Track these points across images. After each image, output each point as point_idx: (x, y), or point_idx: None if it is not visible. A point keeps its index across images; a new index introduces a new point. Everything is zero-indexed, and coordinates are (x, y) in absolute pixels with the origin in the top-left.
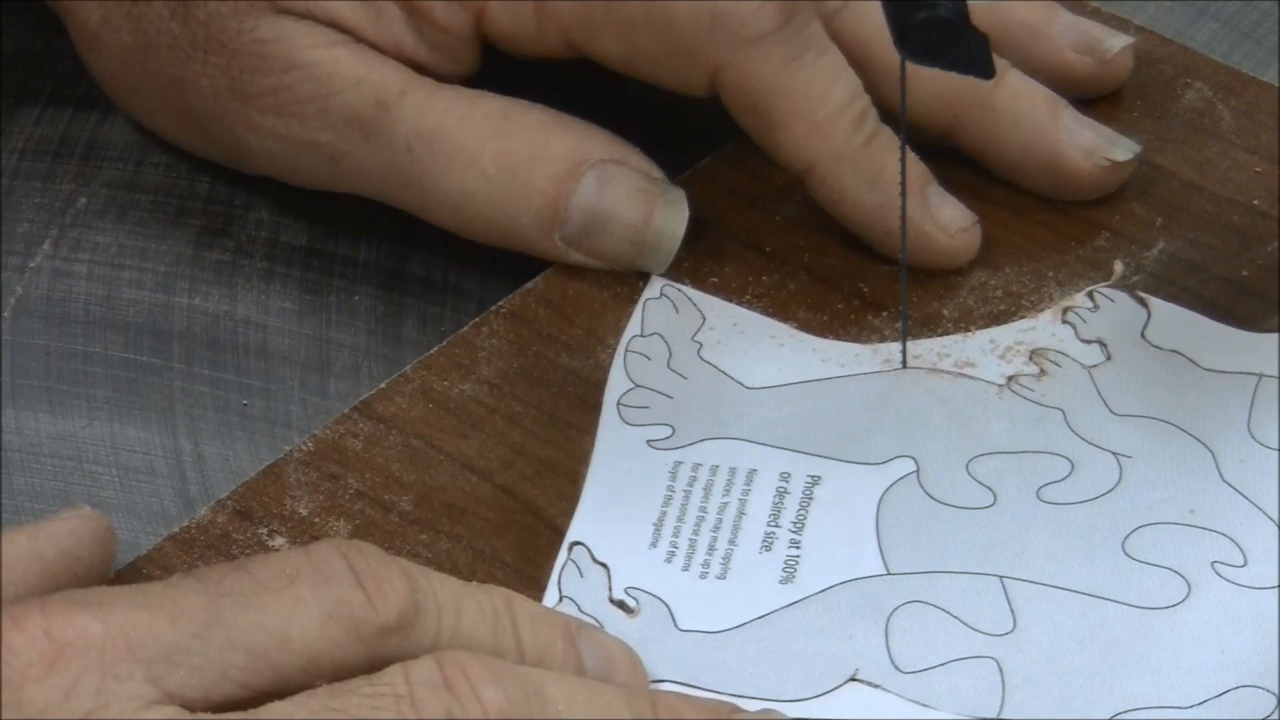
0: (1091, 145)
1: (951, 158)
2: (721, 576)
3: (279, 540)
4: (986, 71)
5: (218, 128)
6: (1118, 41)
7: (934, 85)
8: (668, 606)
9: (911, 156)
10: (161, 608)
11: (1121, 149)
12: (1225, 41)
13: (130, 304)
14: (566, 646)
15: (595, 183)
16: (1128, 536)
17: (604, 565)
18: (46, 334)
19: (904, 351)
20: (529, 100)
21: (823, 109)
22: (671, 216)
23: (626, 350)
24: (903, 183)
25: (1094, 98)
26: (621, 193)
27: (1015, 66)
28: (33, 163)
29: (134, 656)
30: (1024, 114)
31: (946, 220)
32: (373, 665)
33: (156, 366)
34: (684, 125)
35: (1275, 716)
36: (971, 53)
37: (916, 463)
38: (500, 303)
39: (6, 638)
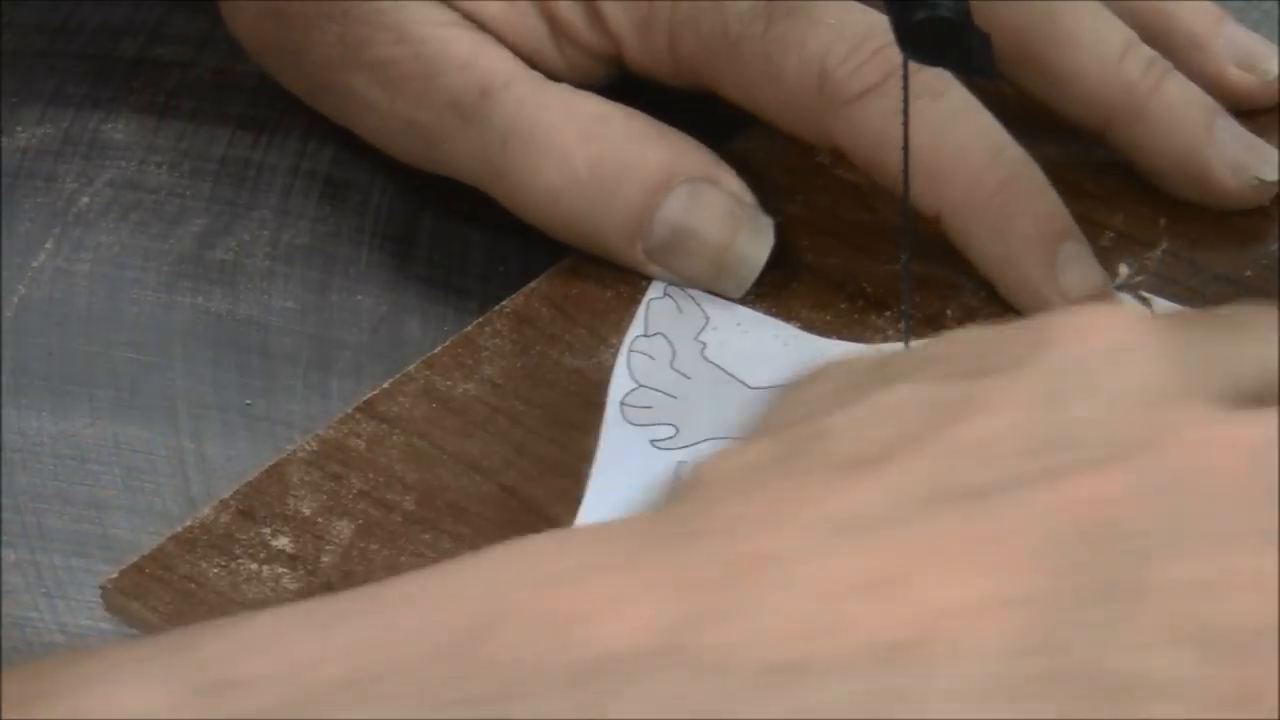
0: (1242, 161)
1: None
2: None
3: (282, 540)
4: (987, 71)
5: (329, 98)
6: (1276, 63)
7: (1088, 87)
8: None
9: (1046, 205)
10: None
11: (1270, 167)
12: None
13: (133, 303)
14: None
15: (685, 199)
16: None
17: None
18: (49, 333)
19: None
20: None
21: (941, 155)
22: (756, 243)
23: (630, 350)
24: (905, 184)
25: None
26: (709, 212)
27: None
28: (35, 162)
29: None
30: (1177, 125)
31: (1068, 287)
32: None
33: (159, 366)
34: (686, 124)
35: None
36: (973, 52)
37: None
38: (503, 302)
39: (1098, 319)
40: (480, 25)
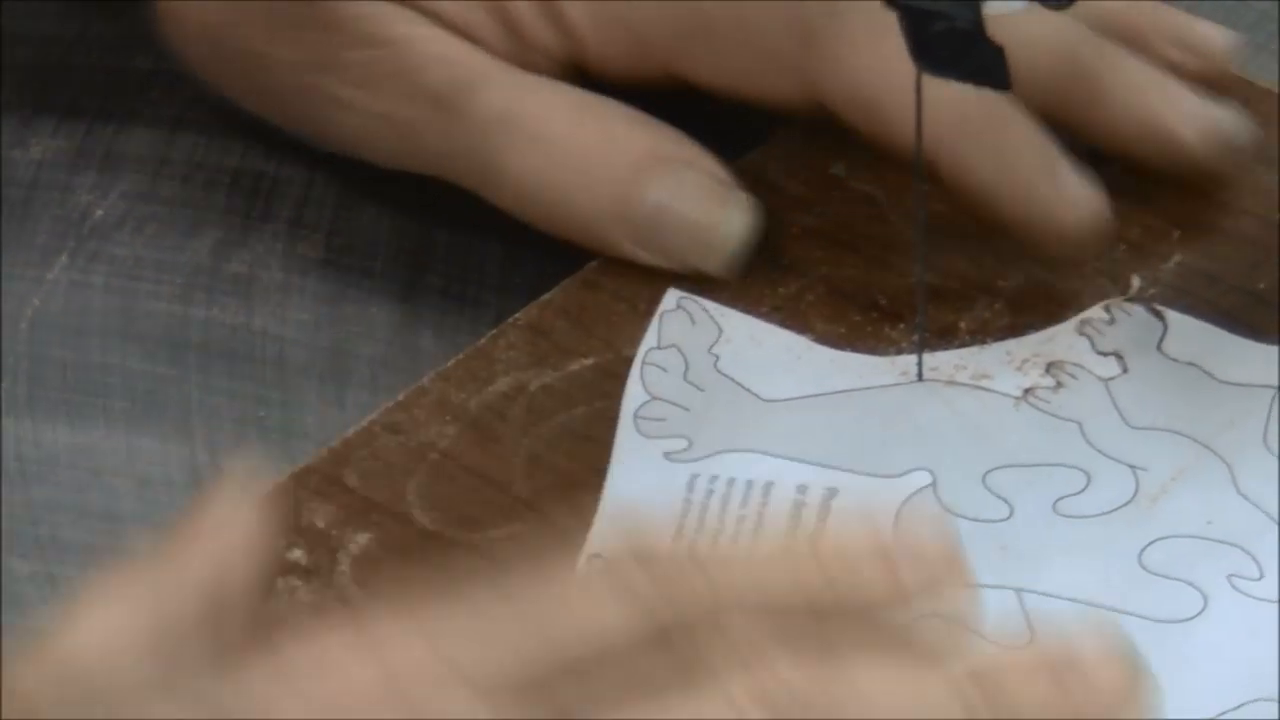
0: (1202, 115)
1: None
2: None
3: (296, 552)
4: (1002, 83)
5: (297, 103)
6: (1222, 41)
7: (1041, 68)
8: None
9: (1037, 127)
10: (456, 600)
11: (1231, 119)
12: None
13: (147, 316)
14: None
15: (668, 180)
16: (1144, 549)
17: None
18: (64, 346)
19: (920, 364)
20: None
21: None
22: (741, 218)
23: (644, 362)
24: (920, 193)
25: None
26: (692, 191)
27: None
28: (50, 174)
29: (445, 647)
30: (1134, 89)
31: (1070, 191)
32: (665, 638)
33: (174, 378)
34: (702, 137)
35: None
36: (988, 64)
37: (933, 475)
38: (517, 315)
39: (320, 632)
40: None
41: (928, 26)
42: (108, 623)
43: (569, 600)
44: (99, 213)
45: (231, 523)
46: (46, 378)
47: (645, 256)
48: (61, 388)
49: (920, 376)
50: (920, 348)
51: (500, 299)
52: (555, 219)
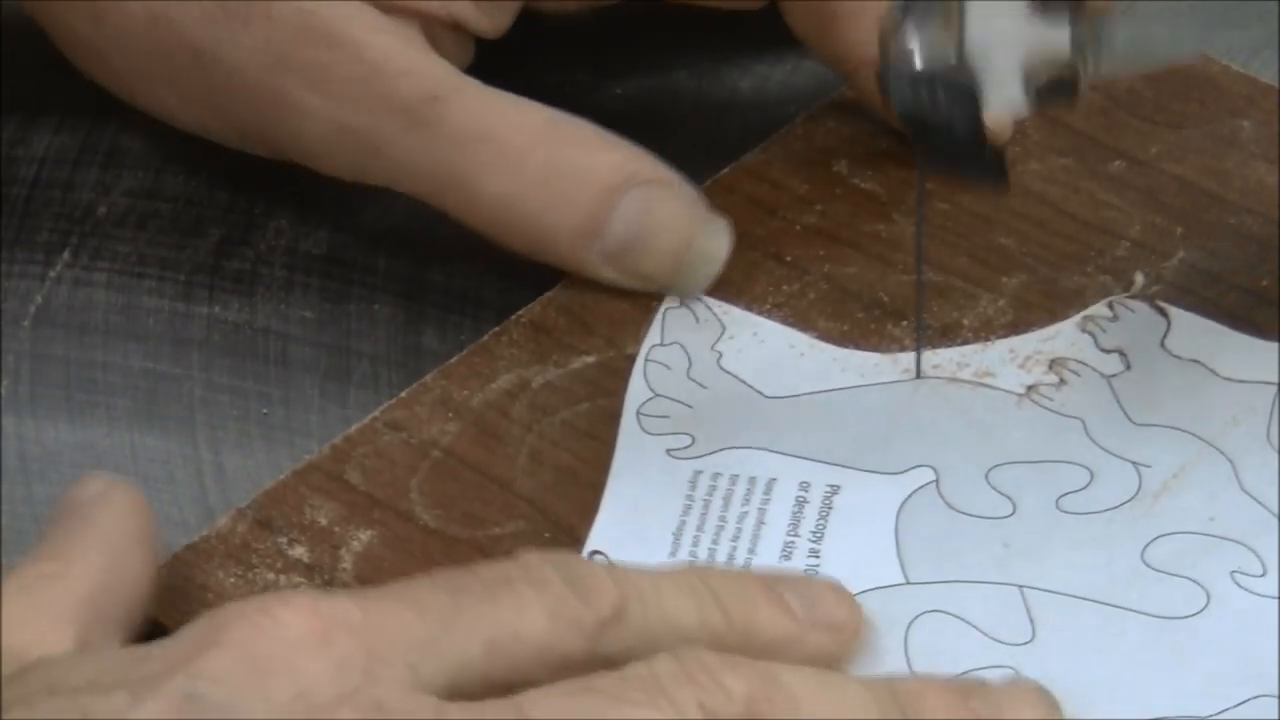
0: None
1: None
2: None
3: (299, 550)
4: (1002, 186)
5: (247, 105)
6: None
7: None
8: None
9: None
10: (408, 602)
11: None
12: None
13: (150, 313)
14: (768, 597)
15: (639, 200)
16: (1147, 546)
17: None
18: (66, 343)
19: (919, 361)
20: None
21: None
22: (712, 241)
23: (646, 359)
24: (919, 203)
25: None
26: (665, 213)
27: None
28: (52, 171)
29: (393, 643)
30: None
31: None
32: (593, 658)
33: (176, 375)
34: (704, 135)
35: None
36: (988, 168)
37: (936, 472)
38: (520, 311)
39: (277, 613)
40: (397, 6)
41: (930, 135)
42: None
43: (508, 605)
44: (101, 210)
45: (107, 510)
46: (48, 375)
47: (617, 277)
48: (63, 385)
49: (919, 374)
50: (919, 345)
51: (502, 297)
52: (526, 239)
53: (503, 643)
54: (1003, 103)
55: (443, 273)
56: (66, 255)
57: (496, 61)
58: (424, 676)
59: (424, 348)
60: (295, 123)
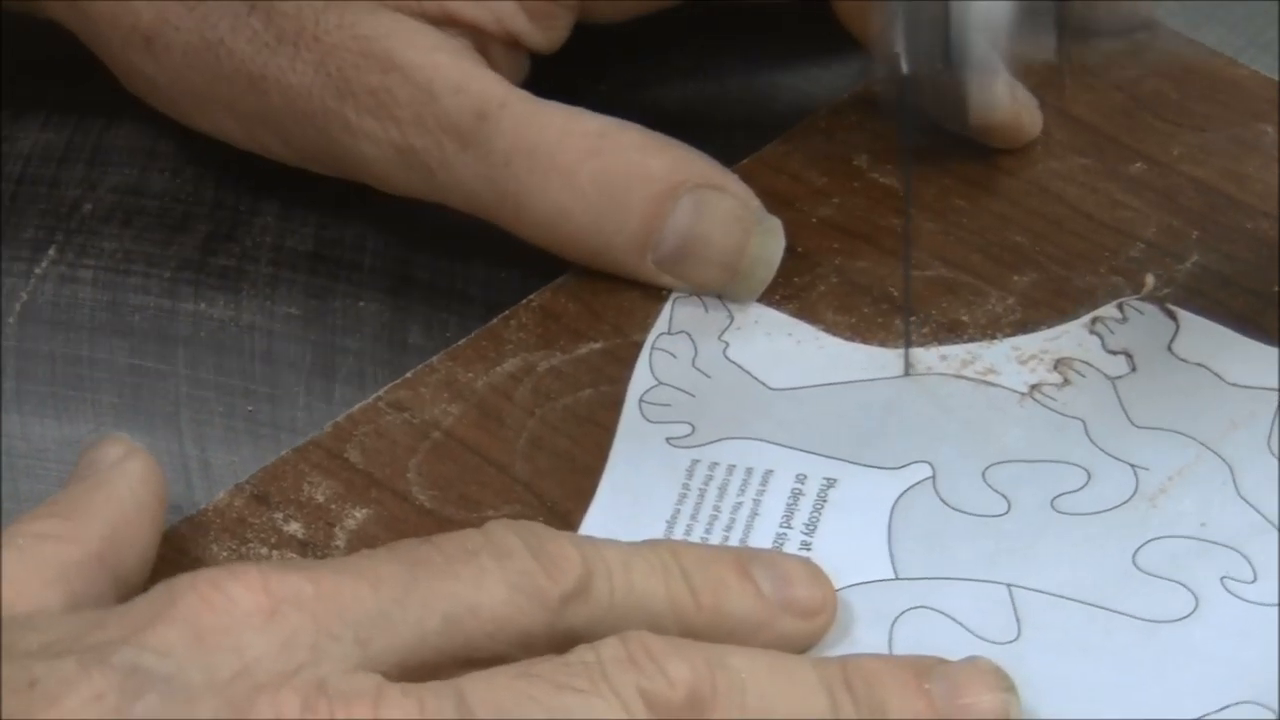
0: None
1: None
2: None
3: (294, 526)
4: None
5: (305, 128)
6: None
7: None
8: None
9: None
10: (364, 575)
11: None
12: (1231, 45)
13: (135, 309)
14: (739, 577)
15: (692, 206)
16: (1139, 549)
17: None
18: (52, 339)
19: (906, 358)
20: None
21: None
22: (768, 245)
23: (653, 347)
24: (907, 213)
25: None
26: (718, 218)
27: None
28: (38, 168)
29: (343, 619)
30: None
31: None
32: (554, 632)
33: (162, 372)
34: (722, 128)
35: None
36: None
37: (933, 468)
38: (530, 296)
39: (227, 587)
40: (450, 19)
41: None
42: (19, 578)
43: (467, 580)
44: (87, 207)
45: (123, 477)
46: (34, 372)
47: (674, 283)
48: (50, 381)
49: (906, 371)
50: (906, 340)
51: (487, 294)
52: (582, 251)
53: (459, 617)
54: (988, 101)
55: (428, 270)
56: (52, 252)
57: (549, 69)
58: (373, 652)
59: (409, 344)
60: (354, 145)
